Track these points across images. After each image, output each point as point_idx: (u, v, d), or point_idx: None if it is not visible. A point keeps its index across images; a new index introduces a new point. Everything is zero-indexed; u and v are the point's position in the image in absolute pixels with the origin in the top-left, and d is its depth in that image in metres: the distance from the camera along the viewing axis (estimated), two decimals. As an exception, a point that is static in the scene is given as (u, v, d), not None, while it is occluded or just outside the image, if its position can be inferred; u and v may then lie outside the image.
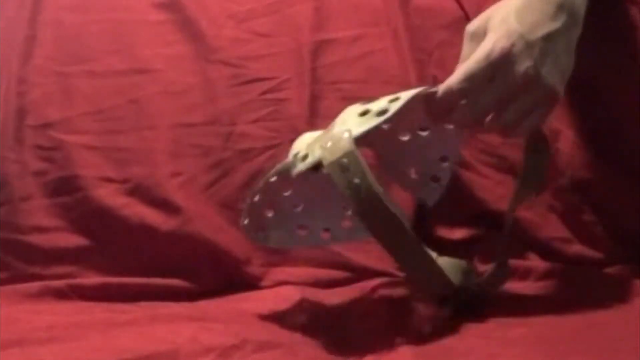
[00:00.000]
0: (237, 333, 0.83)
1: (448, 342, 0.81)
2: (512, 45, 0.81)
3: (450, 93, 0.82)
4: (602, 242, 1.02)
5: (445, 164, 0.99)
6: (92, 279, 1.04)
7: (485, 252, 1.00)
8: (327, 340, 0.84)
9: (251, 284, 1.04)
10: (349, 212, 0.95)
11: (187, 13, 1.12)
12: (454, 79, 0.82)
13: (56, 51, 1.12)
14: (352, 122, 0.82)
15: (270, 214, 0.94)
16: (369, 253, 1.02)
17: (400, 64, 1.07)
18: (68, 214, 1.06)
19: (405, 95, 0.83)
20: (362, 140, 0.82)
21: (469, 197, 1.04)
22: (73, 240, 1.06)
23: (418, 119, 0.94)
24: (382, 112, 0.81)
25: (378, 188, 0.79)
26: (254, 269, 1.05)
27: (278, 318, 0.91)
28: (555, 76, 0.82)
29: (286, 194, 0.94)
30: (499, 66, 0.81)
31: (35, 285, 1.02)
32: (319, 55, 1.09)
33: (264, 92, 1.08)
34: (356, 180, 0.79)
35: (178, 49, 1.11)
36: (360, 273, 1.03)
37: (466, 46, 0.85)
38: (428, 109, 0.85)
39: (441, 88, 0.83)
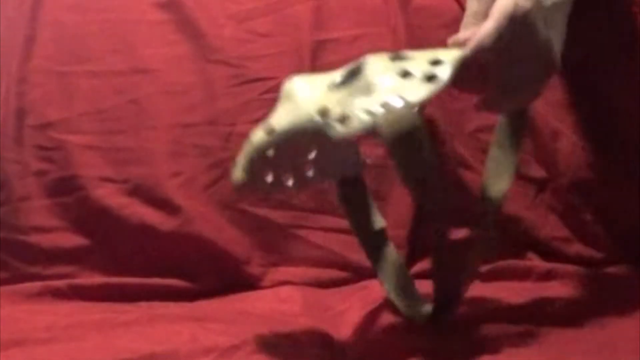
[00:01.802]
0: (236, 333, 0.83)
1: (448, 341, 0.81)
2: (531, 9, 0.78)
3: (482, 51, 0.77)
4: (602, 242, 1.02)
5: None
6: (92, 279, 1.04)
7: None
8: (327, 340, 0.84)
9: (251, 284, 1.04)
10: (310, 157, 0.87)
11: (187, 13, 1.12)
12: (483, 36, 0.76)
13: (56, 51, 1.12)
14: (394, 83, 0.73)
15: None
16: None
17: (400, 64, 1.07)
18: (68, 214, 1.06)
19: (448, 58, 0.74)
20: None
21: (469, 197, 1.04)
22: (73, 240, 1.06)
23: None
24: (430, 78, 0.73)
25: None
26: (254, 269, 1.05)
27: (278, 318, 0.91)
28: (557, 47, 0.80)
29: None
30: (518, 27, 0.77)
31: (35, 285, 1.03)
32: (319, 55, 1.08)
33: (264, 92, 1.07)
34: (423, 157, 0.73)
35: (178, 49, 1.11)
36: (360, 273, 1.02)
37: (473, 2, 0.83)
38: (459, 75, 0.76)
39: (471, 46, 0.77)
